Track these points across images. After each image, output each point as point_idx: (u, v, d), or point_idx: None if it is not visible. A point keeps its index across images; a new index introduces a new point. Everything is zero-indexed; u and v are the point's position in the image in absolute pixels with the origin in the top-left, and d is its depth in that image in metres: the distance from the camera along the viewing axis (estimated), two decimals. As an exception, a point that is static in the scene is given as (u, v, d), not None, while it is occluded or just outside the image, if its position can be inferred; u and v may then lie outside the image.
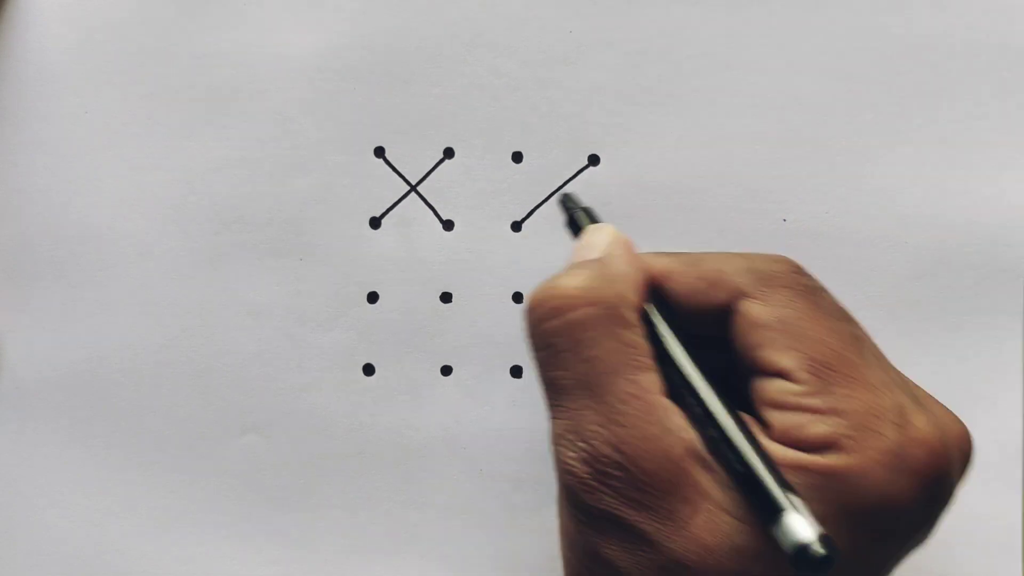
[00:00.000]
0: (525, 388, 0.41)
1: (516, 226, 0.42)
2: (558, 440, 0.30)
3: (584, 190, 0.42)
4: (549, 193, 0.42)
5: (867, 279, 0.41)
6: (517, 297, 0.42)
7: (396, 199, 0.42)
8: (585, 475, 0.29)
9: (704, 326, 0.32)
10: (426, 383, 0.42)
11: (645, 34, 0.42)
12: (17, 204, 0.42)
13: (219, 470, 0.42)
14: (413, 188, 0.42)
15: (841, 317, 0.31)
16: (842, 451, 0.28)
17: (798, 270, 0.32)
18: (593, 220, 0.36)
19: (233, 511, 0.42)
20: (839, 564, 0.27)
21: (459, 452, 0.41)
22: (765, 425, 0.30)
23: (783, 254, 0.41)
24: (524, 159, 0.42)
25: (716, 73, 0.42)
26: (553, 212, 0.42)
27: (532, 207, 0.42)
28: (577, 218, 0.36)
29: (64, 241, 0.42)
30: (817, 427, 0.29)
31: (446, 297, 0.42)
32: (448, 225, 0.42)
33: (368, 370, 0.42)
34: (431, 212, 0.42)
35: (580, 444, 0.29)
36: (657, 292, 0.32)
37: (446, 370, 0.42)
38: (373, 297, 0.42)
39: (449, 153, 0.42)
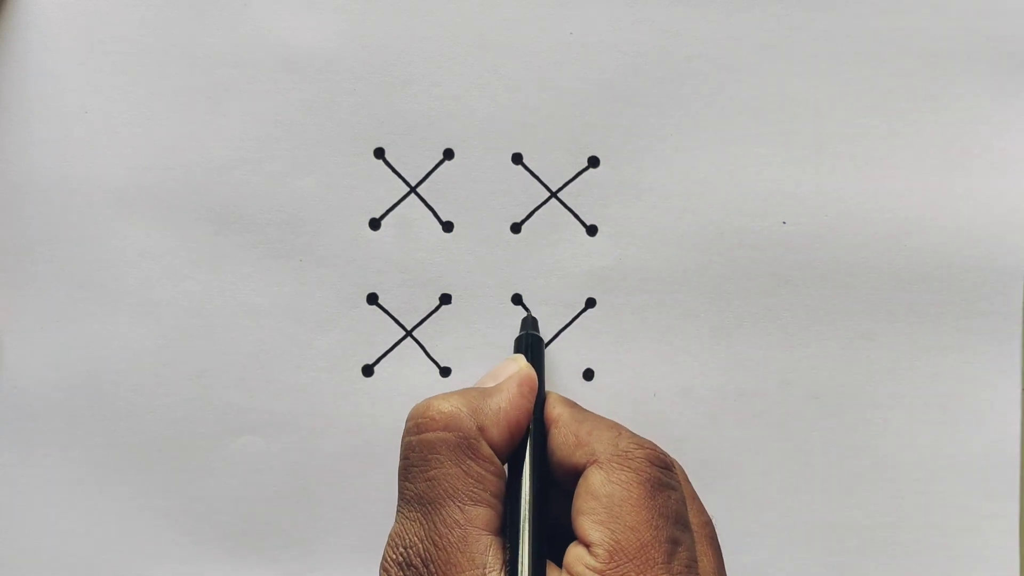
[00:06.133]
0: (524, 389, 0.41)
1: (516, 227, 0.42)
2: (390, 539, 0.33)
3: (584, 191, 0.42)
4: (549, 195, 0.42)
5: (866, 281, 0.41)
6: (516, 299, 0.42)
7: (396, 200, 0.42)
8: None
9: (568, 481, 0.34)
10: (425, 384, 0.42)
11: (645, 35, 0.41)
12: (17, 204, 0.42)
13: (218, 470, 0.42)
14: (413, 189, 0.42)
15: (673, 520, 0.32)
16: None
17: (657, 461, 0.33)
18: (524, 351, 0.38)
19: (233, 511, 0.42)
20: None
21: (458, 453, 0.42)
22: None
23: (782, 256, 0.41)
24: (524, 160, 0.42)
25: (716, 74, 0.41)
26: (553, 214, 0.42)
27: (532, 209, 0.42)
28: (521, 339, 0.39)
29: (64, 241, 0.42)
30: None
31: (445, 298, 0.42)
32: (448, 226, 0.42)
33: (367, 371, 0.42)
34: (431, 213, 0.42)
35: (401, 549, 0.32)
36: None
37: (445, 371, 0.42)
38: (373, 298, 0.42)
39: (449, 154, 0.42)
